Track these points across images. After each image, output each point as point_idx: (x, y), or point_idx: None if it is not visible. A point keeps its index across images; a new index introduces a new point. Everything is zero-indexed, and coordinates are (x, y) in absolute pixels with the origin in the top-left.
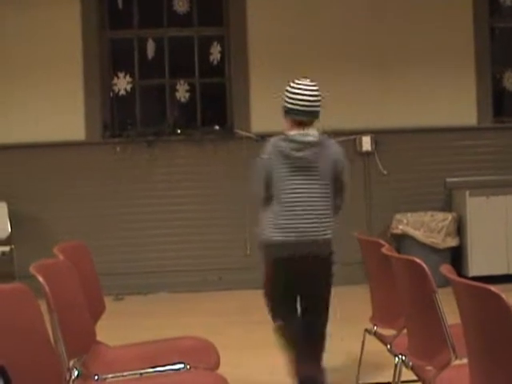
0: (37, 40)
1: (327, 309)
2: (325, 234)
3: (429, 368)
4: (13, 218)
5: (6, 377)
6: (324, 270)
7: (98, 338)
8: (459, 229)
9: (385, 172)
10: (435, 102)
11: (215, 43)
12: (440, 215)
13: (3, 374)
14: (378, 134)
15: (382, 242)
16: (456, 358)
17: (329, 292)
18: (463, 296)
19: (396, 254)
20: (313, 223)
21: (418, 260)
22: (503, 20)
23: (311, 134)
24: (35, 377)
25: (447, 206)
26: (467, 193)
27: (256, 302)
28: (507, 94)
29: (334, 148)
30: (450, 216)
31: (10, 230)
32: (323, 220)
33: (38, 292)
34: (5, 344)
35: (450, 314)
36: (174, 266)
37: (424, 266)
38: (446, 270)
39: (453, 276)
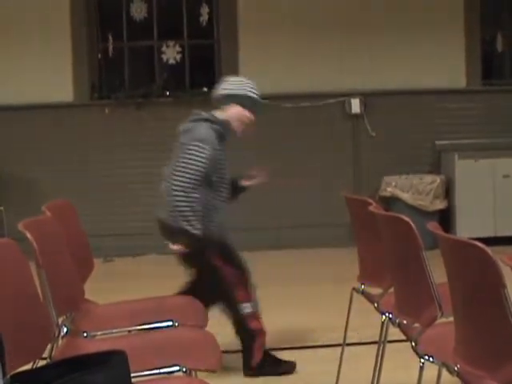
0: (24, 2)
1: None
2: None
3: (416, 325)
4: (2, 179)
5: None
6: None
7: (88, 298)
8: (448, 191)
9: (373, 134)
10: (424, 64)
11: (204, 4)
12: (428, 178)
13: None
14: (366, 96)
15: (369, 200)
16: (442, 315)
17: None
18: (449, 252)
19: (383, 212)
20: None
21: (404, 217)
22: None
23: None
24: (24, 333)
25: (436, 169)
26: (456, 155)
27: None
28: (496, 56)
29: None
30: (438, 179)
31: None
32: None
33: (28, 253)
34: None
35: (438, 276)
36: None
37: (410, 223)
38: (433, 226)
39: (439, 232)
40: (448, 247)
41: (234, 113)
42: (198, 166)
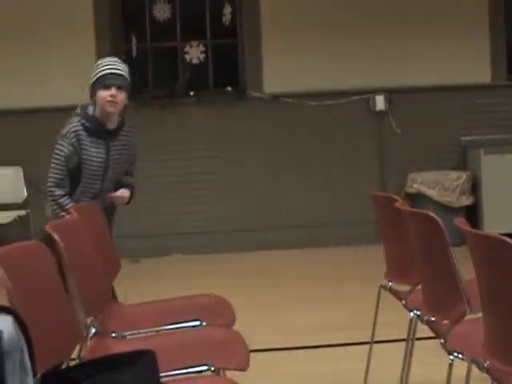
0: (49, 3)
1: None
2: None
3: (444, 322)
4: (28, 182)
5: (24, 328)
6: None
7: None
8: (474, 187)
9: (399, 131)
10: (449, 60)
11: (226, 4)
12: (454, 174)
13: (21, 324)
14: (391, 93)
15: (395, 197)
16: (471, 311)
17: None
18: (477, 247)
19: (409, 208)
20: None
21: (431, 214)
22: None
23: None
24: (53, 334)
25: (462, 165)
26: (482, 151)
27: (269, 263)
28: None
29: None
30: (464, 175)
31: (26, 194)
32: None
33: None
34: (23, 301)
35: (466, 272)
36: (188, 228)
37: (437, 219)
38: (460, 222)
39: (466, 227)
40: (475, 243)
41: (97, 101)
42: (55, 162)
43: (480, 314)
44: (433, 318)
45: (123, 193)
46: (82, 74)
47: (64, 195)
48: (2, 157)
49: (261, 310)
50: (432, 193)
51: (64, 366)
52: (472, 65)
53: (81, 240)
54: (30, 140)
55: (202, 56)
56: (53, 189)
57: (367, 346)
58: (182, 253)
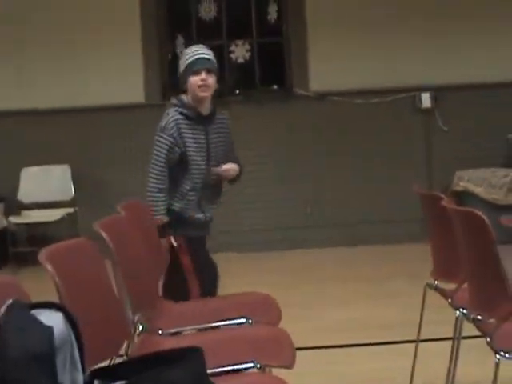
0: (96, 4)
1: None
2: None
3: (491, 321)
4: (76, 180)
5: (74, 324)
6: None
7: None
8: None
9: (445, 129)
10: (495, 57)
11: (272, 2)
12: (501, 171)
13: (71, 320)
14: (437, 91)
15: (441, 195)
16: None
17: None
18: None
19: (455, 207)
20: None
21: (477, 212)
22: None
23: None
24: (101, 330)
25: (509, 162)
26: None
27: (320, 259)
28: None
29: None
30: (511, 172)
31: (73, 192)
32: None
33: (103, 253)
34: (72, 298)
35: None
36: (239, 226)
37: (483, 217)
38: (507, 221)
39: None
40: None
41: (189, 88)
42: (155, 157)
43: None
44: (479, 317)
45: (231, 165)
46: (130, 74)
47: (161, 189)
48: (50, 155)
49: (307, 308)
50: (479, 190)
51: (112, 363)
52: None
53: (129, 238)
54: (77, 139)
55: (247, 55)
56: (151, 183)
57: (413, 345)
58: (233, 251)
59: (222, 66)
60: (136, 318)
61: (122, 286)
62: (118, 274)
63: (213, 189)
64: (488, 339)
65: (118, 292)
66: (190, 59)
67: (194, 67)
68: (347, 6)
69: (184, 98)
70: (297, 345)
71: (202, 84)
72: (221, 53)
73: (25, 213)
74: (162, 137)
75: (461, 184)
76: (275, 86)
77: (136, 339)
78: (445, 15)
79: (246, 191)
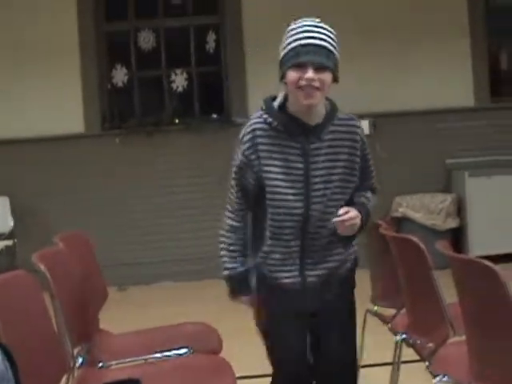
0: (34, 33)
1: None
2: None
3: (429, 345)
4: (15, 212)
5: (10, 358)
6: None
7: (102, 327)
8: (459, 210)
9: (384, 155)
10: (432, 84)
11: (210, 32)
12: (439, 196)
13: (7, 355)
14: (376, 118)
15: (380, 222)
16: (454, 334)
17: None
18: (459, 271)
19: (393, 233)
20: None
21: (413, 238)
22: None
23: None
24: (39, 364)
25: (447, 188)
26: (466, 173)
27: None
28: (504, 73)
29: None
30: (449, 197)
31: (12, 224)
32: None
33: (41, 285)
34: (10, 331)
35: (452, 294)
36: (176, 255)
37: (419, 243)
38: (442, 246)
39: (448, 251)
40: (457, 266)
41: (288, 87)
42: (231, 182)
43: (464, 337)
44: (418, 341)
45: (347, 213)
46: (69, 104)
47: (234, 228)
48: None
49: (250, 335)
50: (418, 216)
51: None
52: (455, 88)
53: (68, 270)
54: (15, 170)
55: (186, 84)
56: (225, 217)
57: None
58: (168, 280)
59: (162, 95)
60: (76, 351)
61: (60, 319)
62: (56, 307)
63: (325, 240)
64: (426, 363)
65: (56, 325)
66: (293, 43)
67: (297, 57)
68: (284, 33)
69: (279, 98)
70: (238, 373)
71: (307, 85)
72: (160, 82)
73: None
74: (236, 154)
75: (400, 210)
76: (214, 115)
77: (76, 373)
78: (383, 45)
79: (184, 220)
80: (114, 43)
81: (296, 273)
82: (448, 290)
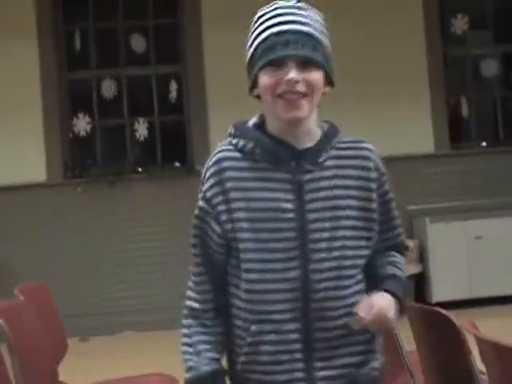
0: None
1: None
2: None
3: None
4: None
5: None
6: None
7: (63, 379)
8: (421, 255)
9: None
10: (392, 132)
11: (172, 81)
12: None
13: None
14: None
15: None
16: (414, 382)
17: None
18: (415, 319)
19: None
20: None
21: None
22: (455, 48)
23: None
24: None
25: (409, 234)
26: (427, 219)
27: None
28: (463, 120)
29: None
30: (411, 243)
31: None
32: None
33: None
34: None
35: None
36: (139, 305)
37: None
38: None
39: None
40: (414, 315)
41: (262, 97)
42: (191, 239)
43: None
44: None
45: (373, 302)
46: (31, 153)
47: (198, 312)
48: None
49: None
50: None
51: None
52: (415, 136)
53: (27, 322)
54: None
55: (147, 133)
56: (186, 295)
57: None
58: (132, 330)
59: (124, 143)
60: None
61: (18, 371)
62: (14, 360)
63: (340, 322)
64: None
65: (14, 378)
66: (264, 33)
67: (272, 52)
68: (246, 82)
69: (254, 118)
70: None
71: (288, 90)
72: (122, 131)
73: None
74: (197, 204)
75: None
76: (177, 164)
77: None
78: (339, 94)
79: (148, 268)
80: (76, 92)
81: (299, 374)
82: (406, 337)
